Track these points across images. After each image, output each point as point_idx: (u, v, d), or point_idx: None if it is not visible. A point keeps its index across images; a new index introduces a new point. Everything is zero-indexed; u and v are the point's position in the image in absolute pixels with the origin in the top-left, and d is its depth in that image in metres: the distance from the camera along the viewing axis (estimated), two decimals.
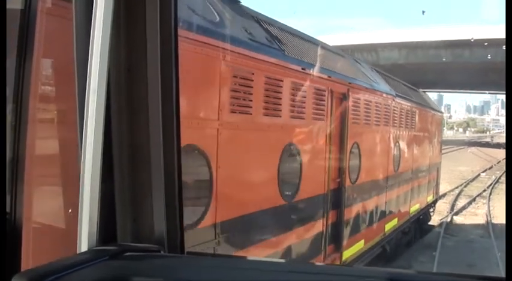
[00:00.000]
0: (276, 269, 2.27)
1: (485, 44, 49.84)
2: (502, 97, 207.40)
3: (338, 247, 9.03)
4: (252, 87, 6.77)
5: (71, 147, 2.48)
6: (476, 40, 50.70)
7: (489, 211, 20.98)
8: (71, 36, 2.23)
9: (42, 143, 3.30)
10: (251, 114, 6.84)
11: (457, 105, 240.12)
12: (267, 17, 8.48)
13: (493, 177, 33.35)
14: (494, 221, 18.55)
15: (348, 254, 9.25)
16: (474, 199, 25.29)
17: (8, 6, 2.73)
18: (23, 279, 1.74)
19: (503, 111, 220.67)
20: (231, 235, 6.31)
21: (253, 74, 6.79)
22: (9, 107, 2.93)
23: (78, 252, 2.09)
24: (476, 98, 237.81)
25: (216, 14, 6.47)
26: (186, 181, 3.82)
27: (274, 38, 7.89)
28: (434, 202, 16.52)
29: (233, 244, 6.45)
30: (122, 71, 2.27)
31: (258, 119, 7.01)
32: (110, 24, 2.14)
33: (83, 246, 2.10)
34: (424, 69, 53.40)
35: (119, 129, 2.28)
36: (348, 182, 9.22)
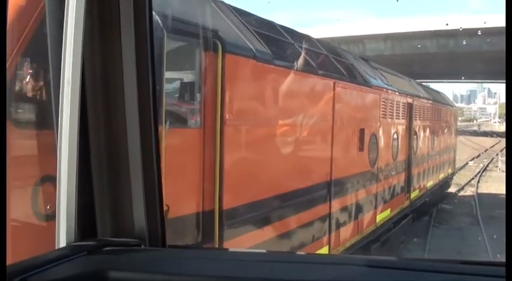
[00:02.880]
0: (258, 259, 2.26)
1: (476, 33, 50.12)
2: (489, 86, 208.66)
3: (408, 191, 14.46)
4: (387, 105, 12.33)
5: (49, 143, 2.45)
6: (460, 30, 50.97)
7: (477, 198, 21.17)
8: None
9: (19, 139, 3.27)
10: (387, 119, 12.38)
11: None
12: (381, 67, 14.64)
13: (481, 165, 33.59)
14: (482, 208, 18.71)
15: (413, 195, 14.80)
16: (463, 187, 25.46)
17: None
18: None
19: (490, 100, 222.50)
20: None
21: (390, 100, 12.67)
22: None
23: (56, 248, 2.07)
24: (462, 87, 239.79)
25: (375, 72, 12.76)
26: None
27: (385, 78, 13.33)
28: (452, 174, 23.33)
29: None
30: (96, 62, 2.23)
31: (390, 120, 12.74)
32: (83, 25, 2.10)
33: (61, 242, 2.08)
34: (410, 60, 53.59)
35: (96, 122, 2.25)
36: (413, 152, 14.63)
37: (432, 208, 17.98)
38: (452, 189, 23.53)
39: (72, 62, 2.08)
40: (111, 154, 2.28)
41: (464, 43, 51.63)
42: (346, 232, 8.96)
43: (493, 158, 38.74)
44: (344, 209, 8.95)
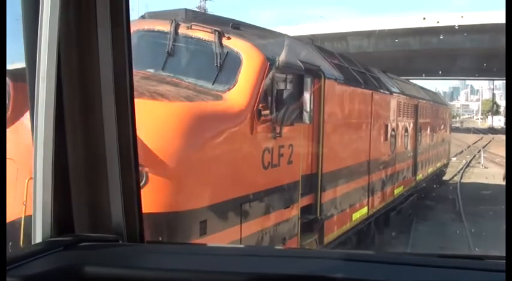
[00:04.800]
0: (236, 253, 2.27)
1: (456, 27, 50.49)
2: (471, 83, 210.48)
3: (415, 173, 17.01)
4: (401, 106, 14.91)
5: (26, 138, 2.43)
6: (441, 27, 51.34)
7: (460, 194, 21.38)
8: None
9: None
10: (402, 117, 15.00)
11: None
12: (395, 76, 17.43)
13: (464, 161, 33.87)
14: (465, 204, 18.91)
15: (418, 178, 17.54)
16: (445, 183, 25.65)
17: None
18: None
19: (473, 97, 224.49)
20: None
21: (403, 103, 15.19)
22: None
23: (33, 243, 2.05)
24: (446, 84, 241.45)
25: (393, 81, 15.35)
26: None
27: (399, 86, 15.78)
28: (447, 163, 26.24)
29: None
30: (73, 58, 2.22)
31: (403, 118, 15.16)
32: (58, 21, 2.09)
33: (38, 237, 2.06)
34: (394, 57, 53.85)
35: (72, 118, 2.24)
36: (418, 144, 17.19)
37: (431, 191, 21.05)
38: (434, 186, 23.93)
39: (47, 59, 2.06)
40: (88, 149, 2.27)
41: (446, 40, 52.03)
42: (377, 198, 12.23)
43: (475, 155, 39.09)
44: (377, 181, 12.18)
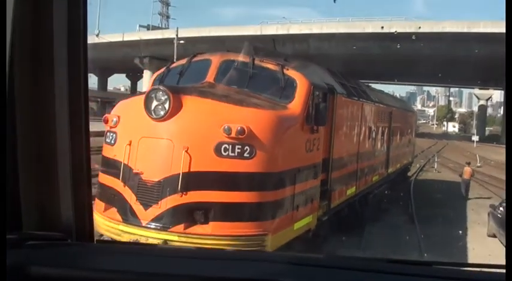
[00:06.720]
0: (185, 255, 2.26)
1: (413, 37, 51.50)
2: (428, 89, 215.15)
3: (387, 167, 20.08)
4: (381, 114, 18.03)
5: None
6: (402, 33, 52.33)
7: (413, 197, 21.79)
8: None
9: None
10: (381, 122, 17.91)
11: None
12: (379, 89, 22.78)
13: (418, 165, 34.51)
14: (417, 207, 19.29)
15: (389, 170, 20.62)
16: (397, 188, 26.04)
17: None
18: None
19: (429, 103, 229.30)
20: None
21: (383, 111, 18.47)
22: None
23: None
24: (403, 89, 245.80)
25: (376, 93, 19.08)
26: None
27: (381, 96, 19.88)
28: (412, 161, 29.76)
29: None
30: (25, 59, 2.17)
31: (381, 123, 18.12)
32: (11, 21, 2.05)
33: None
34: (353, 60, 54.48)
35: (23, 115, 2.19)
36: (391, 143, 20.12)
37: (398, 182, 24.47)
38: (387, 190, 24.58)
39: None
40: (39, 145, 2.22)
41: (405, 47, 53.00)
42: (362, 181, 15.37)
43: (429, 159, 39.89)
44: (362, 169, 15.32)
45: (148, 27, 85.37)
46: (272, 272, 1.93)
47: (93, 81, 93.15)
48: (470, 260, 12.23)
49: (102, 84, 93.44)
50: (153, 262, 2.09)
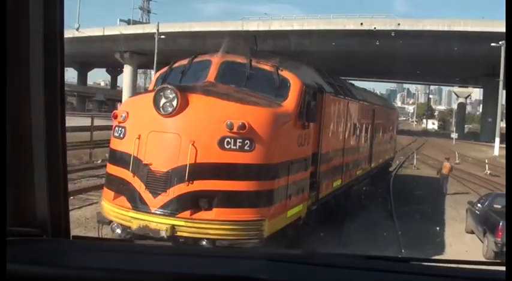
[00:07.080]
0: (164, 252, 2.23)
1: (392, 34, 51.85)
2: (408, 86, 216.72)
3: (370, 162, 20.87)
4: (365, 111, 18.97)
5: None
6: (381, 30, 52.67)
7: (392, 194, 21.95)
8: None
9: None
10: (365, 119, 18.80)
11: None
12: (364, 88, 23.94)
13: (397, 162, 34.76)
14: (396, 204, 19.42)
15: (372, 165, 21.41)
16: (377, 184, 26.22)
17: None
18: None
19: (409, 100, 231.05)
20: None
21: (367, 109, 19.42)
22: None
23: None
24: (383, 87, 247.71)
25: (360, 91, 20.21)
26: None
27: (366, 95, 21.03)
28: (393, 157, 30.87)
29: None
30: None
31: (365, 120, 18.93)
32: None
33: None
34: (334, 57, 54.67)
35: None
36: (374, 139, 20.79)
37: (380, 177, 25.38)
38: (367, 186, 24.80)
39: None
40: (13, 143, 2.17)
41: (384, 44, 53.33)
42: (347, 175, 16.02)
43: (408, 156, 40.19)
44: (347, 163, 16.07)
45: (129, 22, 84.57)
46: (252, 269, 1.91)
47: (72, 75, 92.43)
48: (448, 257, 12.35)
49: (82, 78, 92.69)
50: (129, 259, 2.07)
